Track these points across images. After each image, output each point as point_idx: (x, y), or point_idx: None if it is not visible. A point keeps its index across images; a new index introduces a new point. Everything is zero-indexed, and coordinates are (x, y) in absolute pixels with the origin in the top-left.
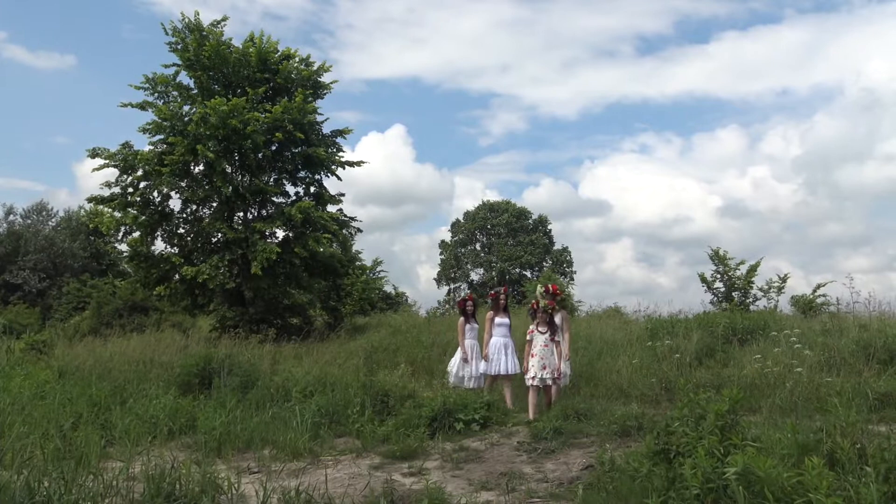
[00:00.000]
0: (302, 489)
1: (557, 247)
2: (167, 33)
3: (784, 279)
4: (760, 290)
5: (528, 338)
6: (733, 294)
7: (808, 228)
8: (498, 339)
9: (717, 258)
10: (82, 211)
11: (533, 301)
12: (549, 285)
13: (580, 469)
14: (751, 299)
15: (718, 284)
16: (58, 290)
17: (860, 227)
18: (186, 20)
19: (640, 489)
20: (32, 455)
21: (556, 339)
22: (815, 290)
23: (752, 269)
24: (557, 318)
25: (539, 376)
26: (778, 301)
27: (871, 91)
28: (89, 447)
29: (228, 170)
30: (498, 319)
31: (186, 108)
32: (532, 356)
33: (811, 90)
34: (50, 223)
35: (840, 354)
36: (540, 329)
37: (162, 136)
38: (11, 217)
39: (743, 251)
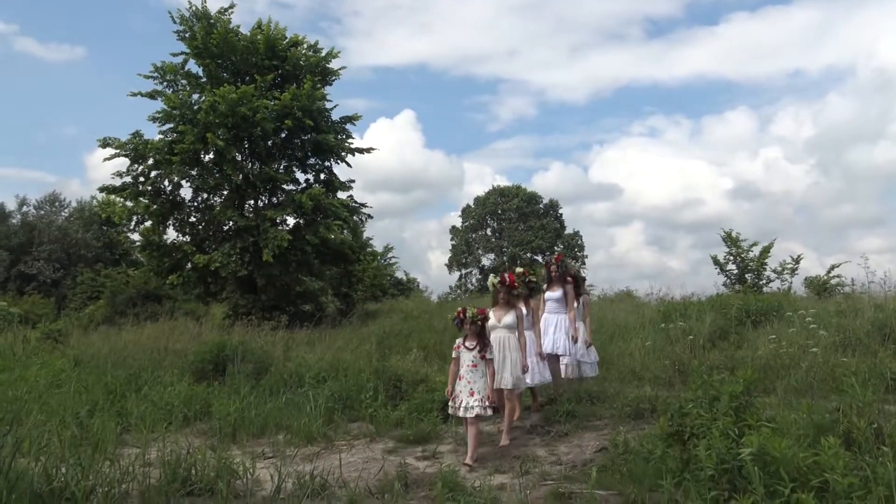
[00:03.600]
0: (316, 473)
1: (568, 231)
2: (175, 21)
3: (797, 260)
4: (774, 271)
5: (453, 355)
6: (746, 276)
7: (821, 210)
8: (548, 316)
9: (730, 240)
10: (94, 201)
11: (459, 310)
12: (506, 275)
13: (594, 451)
14: (764, 281)
15: (731, 266)
16: (72, 280)
17: (874, 208)
18: (194, 8)
19: (654, 471)
20: (50, 442)
21: (488, 356)
22: (829, 271)
23: (765, 251)
24: (530, 303)
25: (465, 404)
26: (791, 282)
27: (884, 71)
28: (105, 434)
29: (238, 158)
30: (549, 294)
31: (195, 96)
32: (459, 378)
33: (823, 71)
34: (63, 213)
35: (855, 335)
36: (467, 344)
37: (171, 125)
38: (25, 208)
39: (755, 233)
